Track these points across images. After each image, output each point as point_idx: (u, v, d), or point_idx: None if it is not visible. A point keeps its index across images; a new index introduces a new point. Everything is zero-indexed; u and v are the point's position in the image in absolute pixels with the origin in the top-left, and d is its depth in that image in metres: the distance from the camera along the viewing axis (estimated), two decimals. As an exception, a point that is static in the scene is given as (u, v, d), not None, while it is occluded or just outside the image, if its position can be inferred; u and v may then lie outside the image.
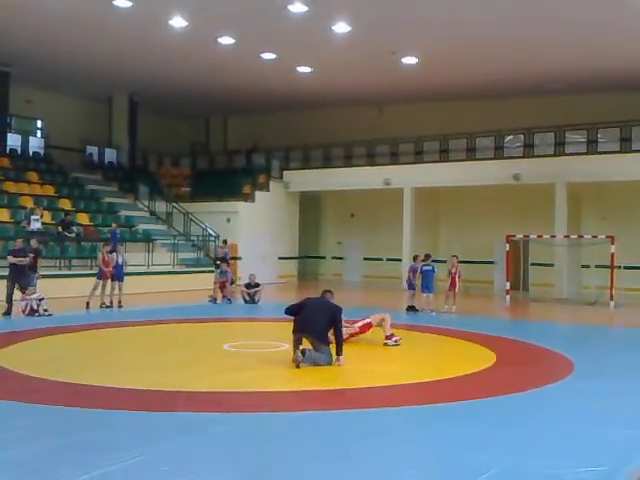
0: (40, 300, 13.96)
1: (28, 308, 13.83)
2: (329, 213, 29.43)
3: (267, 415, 6.48)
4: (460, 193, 24.84)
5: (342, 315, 9.46)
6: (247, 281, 18.06)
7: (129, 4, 16.80)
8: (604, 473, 4.91)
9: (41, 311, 13.83)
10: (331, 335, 9.22)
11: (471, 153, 24.55)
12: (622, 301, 19.04)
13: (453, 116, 25.23)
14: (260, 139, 28.67)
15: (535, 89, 23.55)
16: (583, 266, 23.41)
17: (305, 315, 9.01)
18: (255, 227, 25.26)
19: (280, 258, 26.49)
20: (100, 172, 26.48)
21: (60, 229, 20.16)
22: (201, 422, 6.13)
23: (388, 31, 18.35)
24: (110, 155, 27.71)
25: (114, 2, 16.70)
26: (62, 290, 16.84)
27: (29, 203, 20.98)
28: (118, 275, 16.10)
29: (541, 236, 20.79)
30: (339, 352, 8.95)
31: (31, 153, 25.27)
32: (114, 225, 19.71)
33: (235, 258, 23.42)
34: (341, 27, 18.06)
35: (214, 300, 17.60)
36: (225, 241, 21.65)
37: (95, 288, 15.64)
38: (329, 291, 9.80)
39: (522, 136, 23.94)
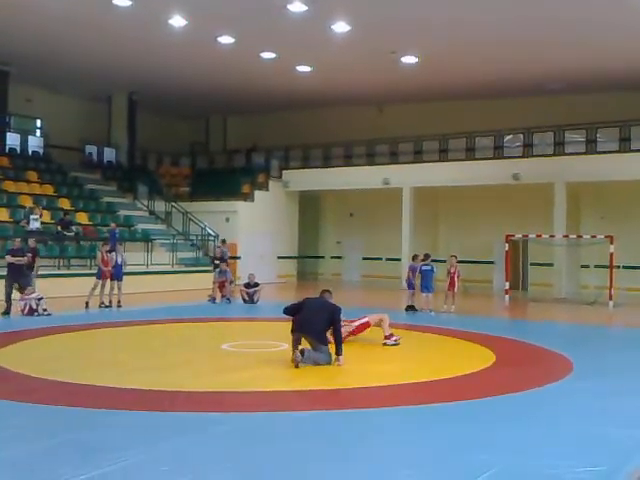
0: (39, 300, 13.94)
1: (27, 308, 13.81)
2: (328, 213, 29.43)
3: (267, 415, 6.47)
4: (459, 193, 24.84)
5: (341, 315, 9.46)
6: (246, 281, 18.05)
7: (128, 3, 16.78)
8: (604, 473, 4.91)
9: (40, 311, 13.82)
10: (330, 335, 9.22)
11: (470, 153, 24.56)
12: (621, 301, 19.04)
13: (452, 116, 25.23)
14: (260, 139, 28.67)
15: (535, 89, 23.55)
16: (582, 266, 23.42)
17: (304, 315, 9.00)
18: (254, 227, 25.25)
19: (279, 258, 26.49)
20: (99, 171, 26.48)
21: (59, 228, 20.16)
22: (201, 422, 6.12)
23: (388, 30, 18.34)
24: (109, 154, 27.71)
25: (113, 1, 16.69)
26: (61, 290, 16.84)
27: (28, 202, 20.97)
28: (117, 275, 16.09)
29: (540, 236, 20.80)
30: (339, 352, 8.95)
31: (30, 152, 25.28)
32: (113, 225, 19.71)
33: (234, 258, 23.40)
34: (341, 26, 18.05)
35: (213, 300, 17.59)
36: (224, 240, 21.64)
37: (94, 288, 15.63)
38: (328, 291, 9.80)
39: (521, 136, 23.96)
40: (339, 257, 29.05)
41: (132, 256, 18.96)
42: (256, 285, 17.65)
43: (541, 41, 18.78)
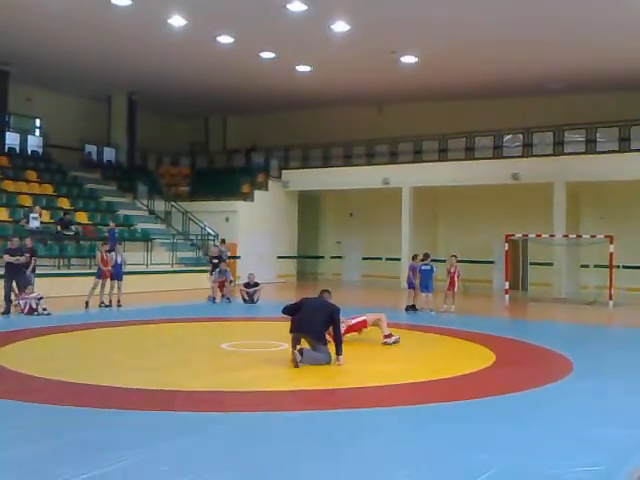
0: (39, 299, 13.94)
1: (27, 307, 13.81)
2: (328, 212, 29.43)
3: (267, 415, 6.47)
4: (459, 192, 24.84)
5: (340, 315, 9.45)
6: (246, 280, 18.05)
7: (128, 3, 16.78)
8: (603, 472, 4.91)
9: (40, 310, 13.82)
10: (328, 335, 9.21)
11: (470, 152, 24.57)
12: (621, 301, 19.05)
13: (452, 115, 25.23)
14: (259, 138, 28.67)
15: (534, 89, 23.56)
16: (582, 266, 23.43)
17: (302, 315, 9.00)
18: (254, 226, 25.25)
19: (279, 257, 26.49)
20: (99, 171, 26.48)
21: (59, 228, 20.15)
22: (201, 422, 6.12)
23: (387, 30, 18.34)
24: (109, 154, 27.71)
25: (113, 1, 16.68)
26: (61, 289, 16.85)
27: (28, 202, 20.97)
28: (117, 274, 16.09)
29: (540, 235, 20.81)
30: (339, 352, 8.94)
31: (30, 152, 25.28)
32: (112, 224, 19.70)
33: (234, 257, 23.40)
34: (340, 26, 18.05)
35: (213, 299, 17.60)
36: (223, 240, 21.66)
37: (94, 287, 15.63)
38: (327, 291, 9.80)
39: (521, 136, 23.98)
40: (339, 257, 29.05)
41: (132, 256, 18.95)
42: (256, 285, 17.65)
43: (541, 41, 18.78)
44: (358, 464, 5.11)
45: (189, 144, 30.05)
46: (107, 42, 20.19)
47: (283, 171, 27.24)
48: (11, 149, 24.42)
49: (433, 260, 16.90)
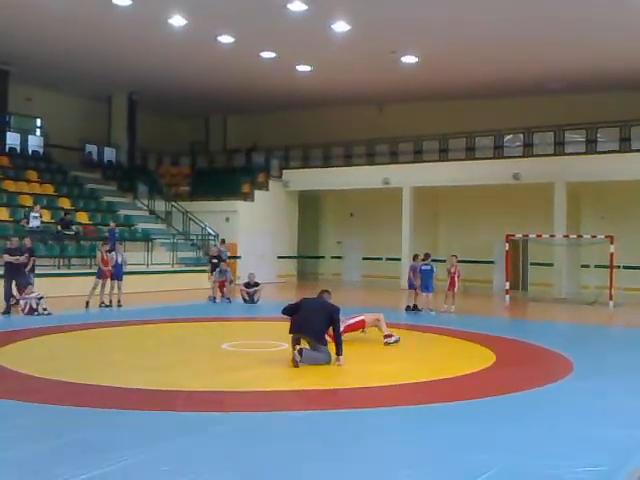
0: (39, 299, 13.94)
1: (27, 307, 13.82)
2: (328, 212, 29.42)
3: (267, 415, 6.47)
4: (459, 192, 24.84)
5: (340, 315, 9.44)
6: (246, 280, 18.06)
7: (128, 3, 16.78)
8: (604, 473, 4.91)
9: (40, 310, 13.82)
10: (328, 335, 9.20)
11: (470, 152, 24.56)
12: (621, 301, 19.05)
13: (453, 115, 25.23)
14: (260, 138, 28.67)
15: (535, 89, 23.55)
16: (582, 266, 23.43)
17: (302, 315, 8.99)
18: (254, 226, 25.25)
19: (279, 257, 26.49)
20: (99, 171, 26.48)
21: (59, 228, 20.16)
22: (201, 422, 6.12)
23: (388, 30, 18.34)
24: (109, 154, 27.72)
25: (113, 1, 16.69)
26: (61, 289, 16.86)
27: (28, 202, 20.97)
28: (117, 274, 16.10)
29: (540, 236, 20.80)
30: (339, 352, 8.94)
31: (30, 152, 25.28)
32: (112, 224, 19.71)
33: (234, 257, 23.40)
34: (341, 26, 18.05)
35: (213, 299, 17.60)
36: (223, 240, 21.65)
37: (94, 287, 15.63)
38: (326, 291, 9.79)
39: (522, 135, 23.96)
40: (339, 257, 29.05)
41: (132, 256, 18.95)
42: (256, 285, 17.65)
43: (541, 41, 18.78)
44: (361, 464, 5.11)
45: (189, 144, 30.05)
46: (107, 42, 20.20)
47: (283, 171, 27.24)
48: (12, 149, 24.43)
49: (433, 260, 16.89)
